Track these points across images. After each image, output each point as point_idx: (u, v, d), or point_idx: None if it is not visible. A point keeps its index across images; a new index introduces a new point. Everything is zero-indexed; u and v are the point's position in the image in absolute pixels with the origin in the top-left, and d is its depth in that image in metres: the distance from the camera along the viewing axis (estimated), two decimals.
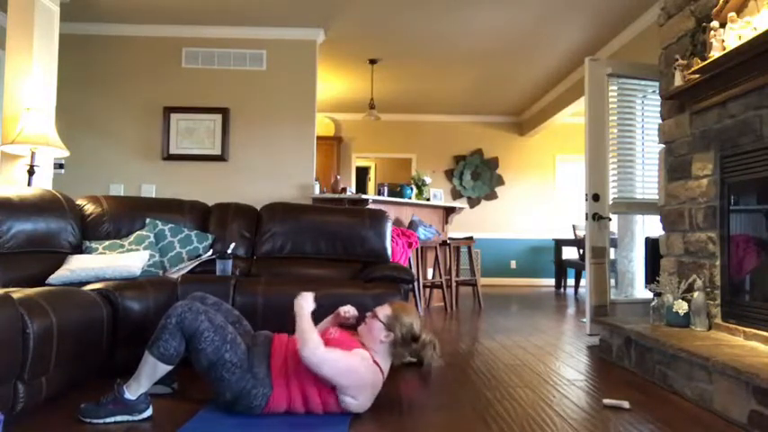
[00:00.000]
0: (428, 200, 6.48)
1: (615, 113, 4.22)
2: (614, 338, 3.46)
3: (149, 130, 5.61)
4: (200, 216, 3.75)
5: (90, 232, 3.43)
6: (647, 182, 4.21)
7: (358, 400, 2.22)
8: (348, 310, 2.54)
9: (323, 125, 8.85)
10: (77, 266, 2.97)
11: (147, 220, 3.55)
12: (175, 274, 3.27)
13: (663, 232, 3.70)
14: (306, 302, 2.33)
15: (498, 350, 3.72)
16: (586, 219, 4.12)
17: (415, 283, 5.32)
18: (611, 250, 4.56)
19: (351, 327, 2.52)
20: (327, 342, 2.25)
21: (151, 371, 2.17)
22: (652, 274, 3.86)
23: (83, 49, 5.57)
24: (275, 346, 2.31)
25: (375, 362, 2.29)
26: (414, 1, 4.94)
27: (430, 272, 6.10)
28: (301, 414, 2.23)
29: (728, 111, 3.01)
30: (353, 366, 2.20)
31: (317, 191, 5.62)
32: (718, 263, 3.12)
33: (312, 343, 2.16)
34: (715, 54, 2.84)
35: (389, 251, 3.77)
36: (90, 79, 5.62)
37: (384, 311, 2.37)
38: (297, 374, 2.22)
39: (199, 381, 2.40)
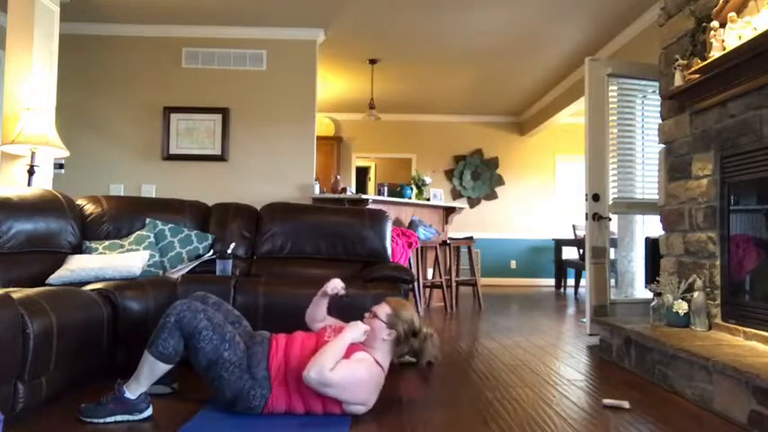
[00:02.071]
0: (428, 200, 6.48)
1: (615, 113, 4.22)
2: (614, 338, 3.46)
3: (149, 130, 5.61)
4: (201, 216, 3.75)
5: (90, 232, 3.43)
6: (647, 182, 4.20)
7: (364, 406, 2.22)
8: (335, 286, 2.52)
9: (323, 125, 8.85)
10: (77, 266, 2.97)
11: (147, 220, 3.55)
12: (175, 274, 3.27)
13: (663, 232, 3.70)
14: (357, 334, 2.26)
15: (498, 350, 3.72)
16: (586, 219, 4.13)
17: (415, 283, 5.32)
18: (611, 250, 4.56)
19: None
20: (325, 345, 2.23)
21: (150, 370, 2.17)
22: (652, 274, 3.86)
23: (83, 49, 5.57)
24: (273, 346, 2.29)
25: (377, 362, 2.29)
26: (414, 1, 4.94)
27: (430, 272, 6.10)
28: (301, 414, 2.22)
29: (728, 111, 3.01)
30: (360, 382, 2.19)
31: (316, 191, 5.62)
32: (718, 263, 3.12)
33: (322, 365, 2.09)
34: (715, 54, 2.84)
35: (389, 251, 3.77)
36: (90, 79, 5.62)
37: (384, 310, 2.36)
38: (296, 379, 2.20)
39: (199, 381, 2.40)
